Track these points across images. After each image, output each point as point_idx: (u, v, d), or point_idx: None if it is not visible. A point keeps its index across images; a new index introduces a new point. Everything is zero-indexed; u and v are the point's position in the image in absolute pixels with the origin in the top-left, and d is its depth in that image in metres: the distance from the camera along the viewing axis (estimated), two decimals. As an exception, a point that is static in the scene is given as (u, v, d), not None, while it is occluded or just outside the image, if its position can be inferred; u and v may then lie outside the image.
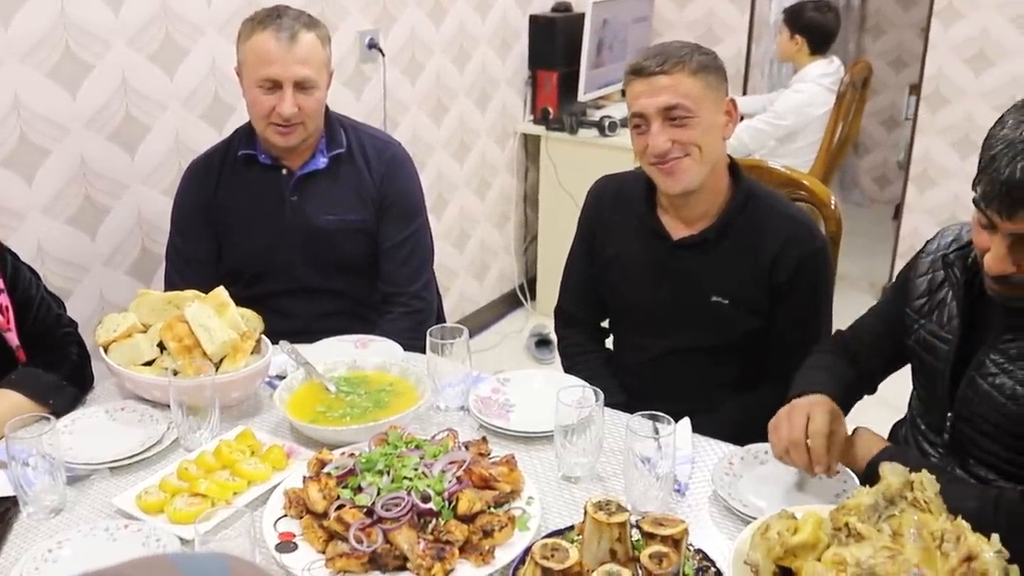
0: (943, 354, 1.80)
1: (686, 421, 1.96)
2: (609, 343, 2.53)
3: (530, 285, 5.10)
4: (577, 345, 2.46)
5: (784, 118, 4.55)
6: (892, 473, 1.50)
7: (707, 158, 2.10)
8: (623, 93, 2.20)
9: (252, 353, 2.09)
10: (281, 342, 2.15)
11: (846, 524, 1.43)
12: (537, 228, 4.96)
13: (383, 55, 3.78)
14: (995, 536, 1.38)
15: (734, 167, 2.23)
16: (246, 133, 2.54)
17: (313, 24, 2.41)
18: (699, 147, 2.08)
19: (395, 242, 2.58)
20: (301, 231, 2.52)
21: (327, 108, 2.52)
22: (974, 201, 1.57)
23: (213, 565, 0.77)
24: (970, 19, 4.49)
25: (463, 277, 4.71)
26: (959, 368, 1.77)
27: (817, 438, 1.69)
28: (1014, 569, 1.37)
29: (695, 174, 2.10)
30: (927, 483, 1.48)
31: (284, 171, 2.51)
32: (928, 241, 1.92)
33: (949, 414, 1.79)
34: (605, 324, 2.52)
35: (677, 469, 1.77)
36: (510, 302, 5.08)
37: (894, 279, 2.00)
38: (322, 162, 2.51)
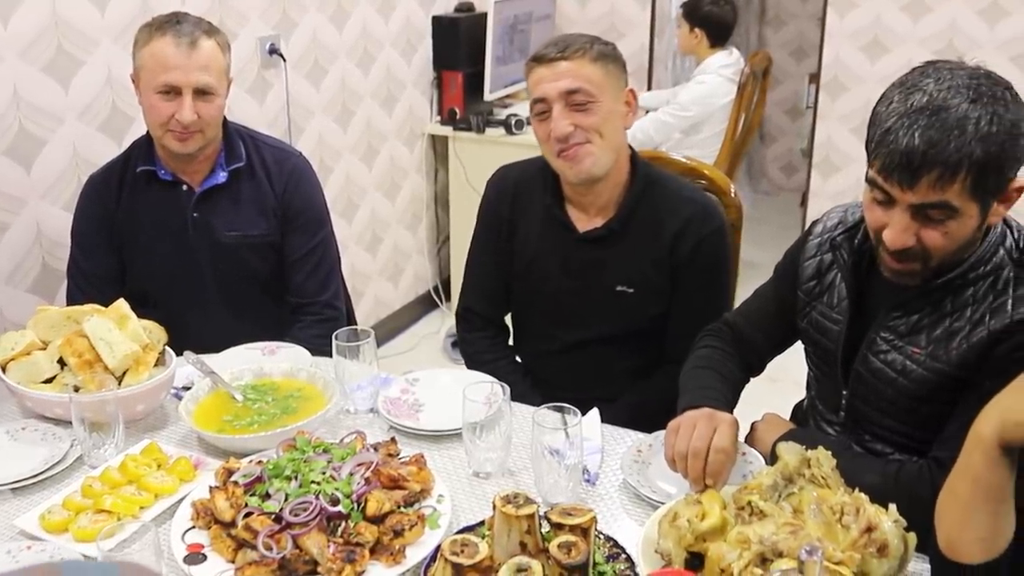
0: (835, 335, 1.84)
1: (595, 412, 1.97)
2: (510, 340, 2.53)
3: (444, 286, 5.10)
4: (485, 352, 2.43)
5: (688, 109, 4.62)
6: (788, 452, 1.54)
7: (609, 145, 2.13)
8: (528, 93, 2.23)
9: (156, 365, 2.06)
10: (186, 352, 2.12)
11: (749, 503, 1.46)
12: (449, 229, 4.96)
13: (285, 61, 3.75)
14: (892, 506, 1.43)
15: (633, 156, 2.26)
16: (144, 148, 2.50)
17: (213, 31, 2.38)
18: (600, 133, 2.11)
19: (302, 253, 2.56)
20: (206, 248, 2.49)
21: (225, 119, 2.49)
22: (869, 179, 1.61)
23: (101, 570, 0.77)
24: (864, 8, 4.60)
25: (377, 281, 4.69)
26: (851, 347, 1.81)
27: (719, 455, 1.65)
28: (911, 537, 1.41)
29: (597, 160, 2.13)
30: (823, 459, 1.52)
31: (184, 187, 2.48)
32: (814, 223, 1.96)
33: (844, 392, 1.84)
34: (508, 320, 2.51)
35: (587, 459, 1.79)
36: (425, 304, 5.08)
37: (782, 260, 2.04)
38: (222, 177, 2.48)
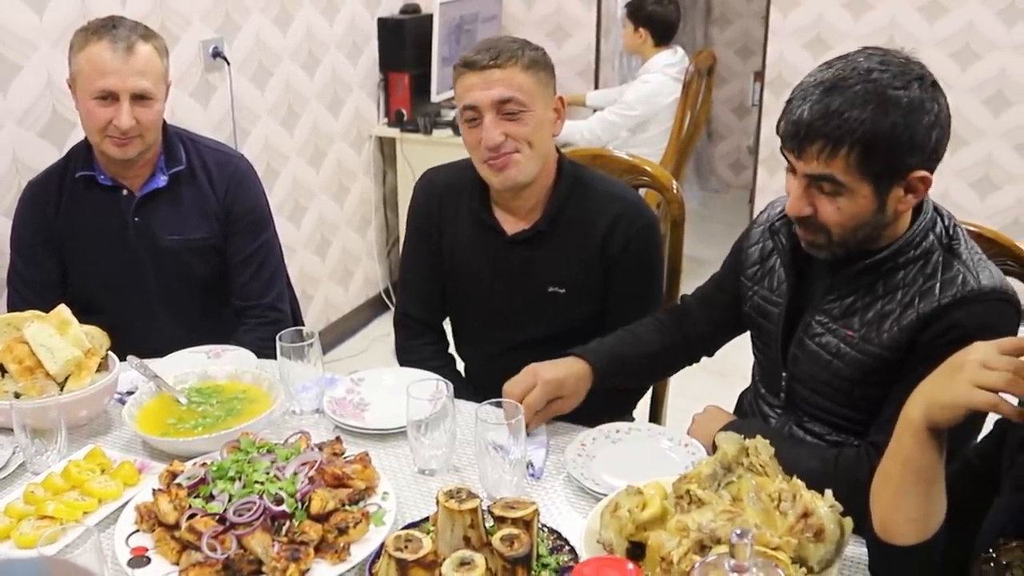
0: (774, 318, 1.89)
1: (539, 407, 1.98)
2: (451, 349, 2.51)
3: (395, 288, 5.08)
4: (429, 360, 2.36)
5: (634, 108, 4.66)
6: (727, 442, 1.56)
7: (537, 153, 2.13)
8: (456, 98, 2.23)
9: (99, 370, 2.04)
10: (129, 357, 2.11)
11: (687, 492, 1.48)
12: (399, 231, 4.96)
13: (228, 64, 3.73)
14: (828, 492, 1.45)
15: (560, 158, 2.25)
16: (83, 153, 2.48)
17: (150, 35, 2.36)
18: (530, 143, 2.10)
19: (245, 256, 2.55)
20: (148, 252, 2.48)
21: (165, 123, 2.48)
22: (780, 148, 1.69)
23: (24, 568, 0.77)
24: (806, 6, 4.66)
25: (327, 284, 4.67)
26: (791, 330, 1.86)
27: (526, 410, 1.80)
28: (848, 522, 1.44)
29: (524, 168, 2.12)
30: (761, 448, 1.54)
31: (125, 192, 2.46)
32: (760, 212, 2.01)
33: (784, 374, 1.88)
34: (447, 325, 2.49)
35: (532, 454, 1.81)
36: (376, 306, 5.07)
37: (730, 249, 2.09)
38: (162, 180, 2.47)
